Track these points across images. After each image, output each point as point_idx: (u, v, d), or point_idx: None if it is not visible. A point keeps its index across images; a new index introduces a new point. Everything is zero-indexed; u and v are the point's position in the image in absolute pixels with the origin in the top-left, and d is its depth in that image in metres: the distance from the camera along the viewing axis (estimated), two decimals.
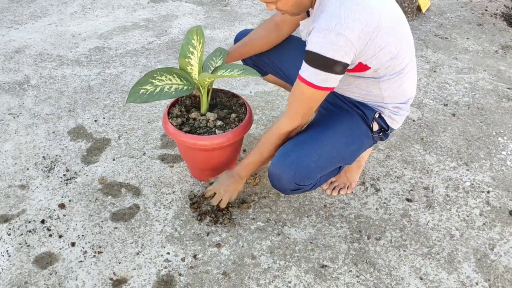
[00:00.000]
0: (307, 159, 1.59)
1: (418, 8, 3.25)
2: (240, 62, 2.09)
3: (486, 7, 3.38)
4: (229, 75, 1.73)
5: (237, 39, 2.03)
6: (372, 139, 1.73)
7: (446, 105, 2.44)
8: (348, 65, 1.45)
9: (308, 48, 1.44)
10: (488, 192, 1.98)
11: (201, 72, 1.77)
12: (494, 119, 2.35)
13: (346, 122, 1.68)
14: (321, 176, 1.70)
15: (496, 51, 2.89)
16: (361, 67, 1.52)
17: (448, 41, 2.98)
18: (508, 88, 2.55)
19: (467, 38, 3.01)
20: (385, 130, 1.72)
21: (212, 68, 1.81)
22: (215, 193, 1.82)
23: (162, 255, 1.72)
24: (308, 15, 1.69)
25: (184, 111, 1.90)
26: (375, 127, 1.70)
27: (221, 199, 1.79)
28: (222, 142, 1.78)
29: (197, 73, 1.76)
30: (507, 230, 1.82)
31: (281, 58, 1.94)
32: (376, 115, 1.68)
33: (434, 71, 2.69)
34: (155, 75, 1.73)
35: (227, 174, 1.81)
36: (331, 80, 1.46)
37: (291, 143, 1.64)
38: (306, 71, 1.46)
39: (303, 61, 1.48)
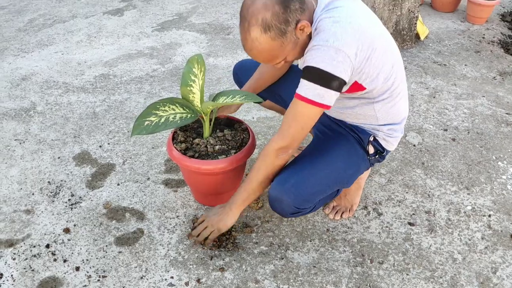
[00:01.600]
0: (306, 183, 1.61)
1: (417, 36, 3.32)
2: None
3: (483, 34, 3.45)
4: (232, 102, 1.78)
5: (235, 70, 2.08)
6: (368, 162, 1.76)
7: (446, 130, 2.47)
8: (345, 83, 1.47)
9: (307, 64, 1.46)
10: (490, 216, 1.99)
11: (203, 99, 1.81)
12: (494, 144, 2.38)
13: (343, 146, 1.71)
14: (319, 201, 1.73)
15: (494, 77, 2.94)
16: (357, 87, 1.56)
17: (447, 67, 3.03)
18: (507, 114, 2.59)
19: (465, 65, 3.07)
20: (380, 152, 1.76)
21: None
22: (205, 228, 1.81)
23: (166, 279, 1.72)
24: None
25: (189, 136, 1.94)
26: (371, 150, 1.74)
27: (206, 233, 1.78)
28: (225, 167, 1.80)
29: (199, 100, 1.80)
30: (509, 254, 1.83)
31: (278, 82, 1.99)
32: (371, 138, 1.72)
33: (434, 97, 2.73)
34: (158, 106, 1.77)
35: (218, 206, 1.81)
36: (327, 97, 1.47)
37: (290, 168, 1.67)
38: (303, 86, 1.48)
39: (301, 79, 1.50)
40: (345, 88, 1.56)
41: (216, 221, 1.75)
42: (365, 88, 1.56)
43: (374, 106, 1.64)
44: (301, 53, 1.55)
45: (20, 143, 2.39)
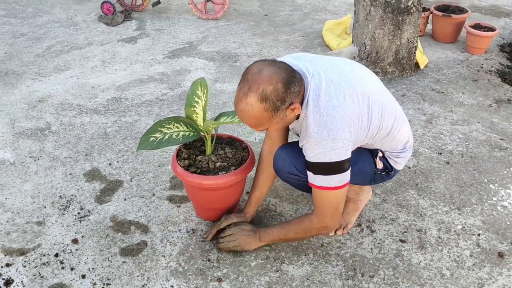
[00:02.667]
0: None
1: (417, 65, 3.44)
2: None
3: (482, 64, 3.57)
4: (231, 121, 1.90)
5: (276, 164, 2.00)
6: (374, 173, 1.87)
7: (441, 153, 2.57)
8: (351, 158, 1.64)
9: (311, 160, 1.62)
10: (479, 234, 2.07)
11: (205, 118, 1.94)
12: (486, 167, 2.46)
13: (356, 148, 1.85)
14: None
15: (490, 104, 3.04)
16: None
17: (444, 95, 3.15)
18: (501, 139, 2.68)
19: (462, 93, 3.18)
20: (388, 171, 1.88)
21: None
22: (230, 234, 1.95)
23: None
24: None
25: (192, 153, 2.06)
26: (379, 165, 1.86)
27: (232, 245, 1.92)
28: (225, 182, 1.92)
29: (201, 120, 1.93)
30: (496, 271, 1.90)
31: None
32: (380, 154, 1.85)
33: (430, 123, 2.84)
34: (163, 124, 1.90)
35: (250, 227, 1.95)
36: (345, 177, 1.64)
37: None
38: (319, 179, 1.64)
39: (309, 172, 1.67)
40: None
41: (243, 241, 1.91)
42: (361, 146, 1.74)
43: (374, 146, 1.83)
44: (284, 126, 1.73)
45: (35, 160, 2.53)
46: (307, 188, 1.87)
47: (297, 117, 1.67)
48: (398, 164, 1.90)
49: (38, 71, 3.51)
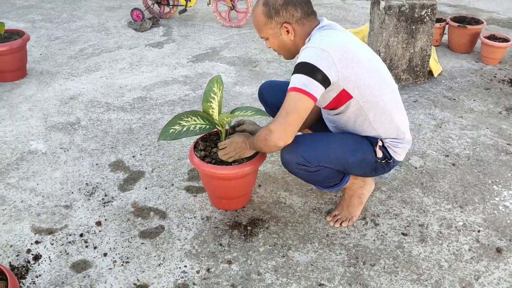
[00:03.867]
0: (317, 144, 1.90)
1: (430, 73, 3.54)
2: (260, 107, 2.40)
3: (495, 74, 3.65)
4: (244, 115, 2.05)
5: (261, 89, 2.34)
6: (375, 162, 1.98)
7: (448, 156, 2.67)
8: (329, 80, 1.73)
9: (296, 62, 1.77)
10: (479, 231, 2.16)
11: (221, 112, 2.09)
12: (491, 170, 2.55)
13: (355, 136, 1.98)
14: (326, 168, 1.92)
15: (500, 112, 3.12)
16: (346, 96, 1.83)
17: (456, 102, 3.24)
18: (508, 144, 2.76)
19: (473, 100, 3.27)
20: (388, 159, 1.99)
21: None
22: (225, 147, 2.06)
23: (180, 268, 1.97)
24: None
25: (208, 146, 2.22)
26: (379, 153, 1.97)
27: (228, 156, 2.05)
28: (237, 172, 2.06)
29: (217, 114, 2.09)
30: (493, 264, 1.99)
31: None
32: (380, 143, 1.97)
33: (440, 127, 2.94)
34: (182, 117, 2.06)
35: (241, 136, 2.03)
36: (311, 86, 1.71)
37: (306, 135, 1.98)
38: (292, 80, 1.76)
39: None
40: (334, 93, 1.82)
41: (237, 151, 2.02)
42: (352, 96, 1.82)
43: (373, 125, 1.92)
44: (282, 50, 1.91)
45: (65, 151, 2.73)
46: (316, 180, 2.01)
47: (297, 53, 1.87)
48: (398, 154, 2.01)
49: (70, 71, 3.75)
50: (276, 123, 1.78)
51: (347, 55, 1.75)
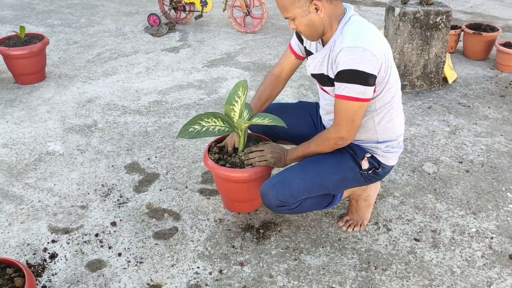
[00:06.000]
0: (290, 180, 1.91)
1: (445, 80, 3.54)
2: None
3: (511, 81, 3.63)
4: (261, 122, 2.06)
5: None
6: (360, 176, 1.96)
7: (461, 162, 2.66)
8: (376, 78, 1.75)
9: (342, 68, 1.74)
10: (492, 238, 2.15)
11: (241, 117, 2.12)
12: (505, 177, 2.54)
13: (334, 157, 1.95)
14: (308, 198, 1.96)
15: None
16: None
17: (470, 108, 3.24)
18: None
19: (488, 107, 3.26)
20: (375, 169, 1.98)
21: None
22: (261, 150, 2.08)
23: (193, 269, 2.00)
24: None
25: (222, 149, 2.24)
26: (365, 165, 1.95)
27: (263, 160, 2.06)
28: (250, 175, 2.09)
29: (238, 118, 2.11)
30: (505, 271, 1.98)
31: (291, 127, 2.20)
32: (368, 155, 1.95)
33: (454, 134, 2.93)
34: (203, 118, 2.09)
35: (279, 146, 2.08)
36: (368, 92, 1.75)
37: (283, 169, 1.99)
38: (345, 88, 1.75)
39: (337, 82, 1.78)
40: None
41: (275, 155, 2.05)
42: (375, 91, 1.81)
43: (374, 118, 1.90)
44: (309, 30, 1.82)
45: (82, 153, 2.78)
46: (305, 210, 2.05)
47: (322, 34, 1.83)
48: (389, 159, 1.98)
49: (88, 75, 3.82)
50: (344, 130, 1.84)
51: (384, 47, 1.77)
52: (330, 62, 1.82)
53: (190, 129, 2.04)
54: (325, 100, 2.02)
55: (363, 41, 1.71)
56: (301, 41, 2.05)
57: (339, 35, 1.78)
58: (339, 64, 1.75)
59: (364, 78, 1.72)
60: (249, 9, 4.72)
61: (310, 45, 1.98)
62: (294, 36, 2.08)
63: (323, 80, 1.92)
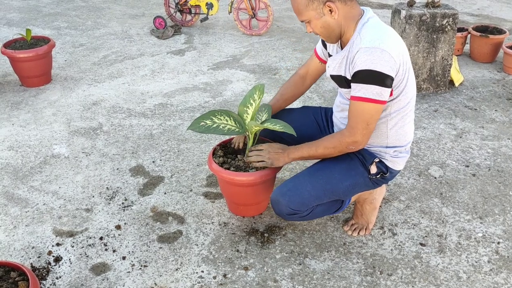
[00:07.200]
0: (301, 188, 1.89)
1: (452, 82, 3.52)
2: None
3: None
4: (272, 128, 2.04)
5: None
6: (369, 180, 1.96)
7: (468, 166, 2.64)
8: (393, 79, 1.74)
9: (359, 68, 1.72)
10: (499, 243, 2.13)
11: (253, 120, 2.10)
12: None
13: (343, 162, 1.94)
14: (318, 205, 1.95)
15: None
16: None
17: (477, 112, 3.21)
18: None
19: (495, 110, 3.23)
20: (383, 173, 1.97)
21: (260, 120, 2.13)
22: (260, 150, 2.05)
23: (197, 273, 1.99)
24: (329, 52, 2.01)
25: (227, 152, 2.24)
26: (373, 170, 1.94)
27: (260, 159, 2.03)
28: (255, 179, 2.08)
29: (249, 120, 2.10)
30: None
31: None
32: (376, 160, 1.94)
33: (460, 137, 2.91)
34: (216, 114, 2.07)
35: (279, 145, 2.05)
36: (384, 93, 1.74)
37: (293, 176, 1.97)
38: (361, 89, 1.74)
39: (353, 83, 1.76)
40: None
41: (272, 156, 2.01)
42: (392, 94, 1.80)
43: (388, 123, 1.89)
44: (325, 32, 1.82)
45: (87, 155, 2.79)
46: (316, 216, 2.05)
47: (340, 36, 1.82)
48: (397, 164, 1.98)
49: (93, 77, 3.82)
50: (359, 133, 1.82)
51: (402, 48, 1.76)
52: (348, 63, 1.81)
53: (202, 123, 2.03)
54: (343, 98, 2.02)
55: (381, 42, 1.71)
56: (325, 46, 2.05)
57: (357, 36, 1.78)
58: (356, 65, 1.74)
59: (381, 79, 1.71)
60: (255, 12, 4.71)
61: (332, 49, 1.98)
62: (320, 40, 2.09)
63: (341, 81, 1.91)
